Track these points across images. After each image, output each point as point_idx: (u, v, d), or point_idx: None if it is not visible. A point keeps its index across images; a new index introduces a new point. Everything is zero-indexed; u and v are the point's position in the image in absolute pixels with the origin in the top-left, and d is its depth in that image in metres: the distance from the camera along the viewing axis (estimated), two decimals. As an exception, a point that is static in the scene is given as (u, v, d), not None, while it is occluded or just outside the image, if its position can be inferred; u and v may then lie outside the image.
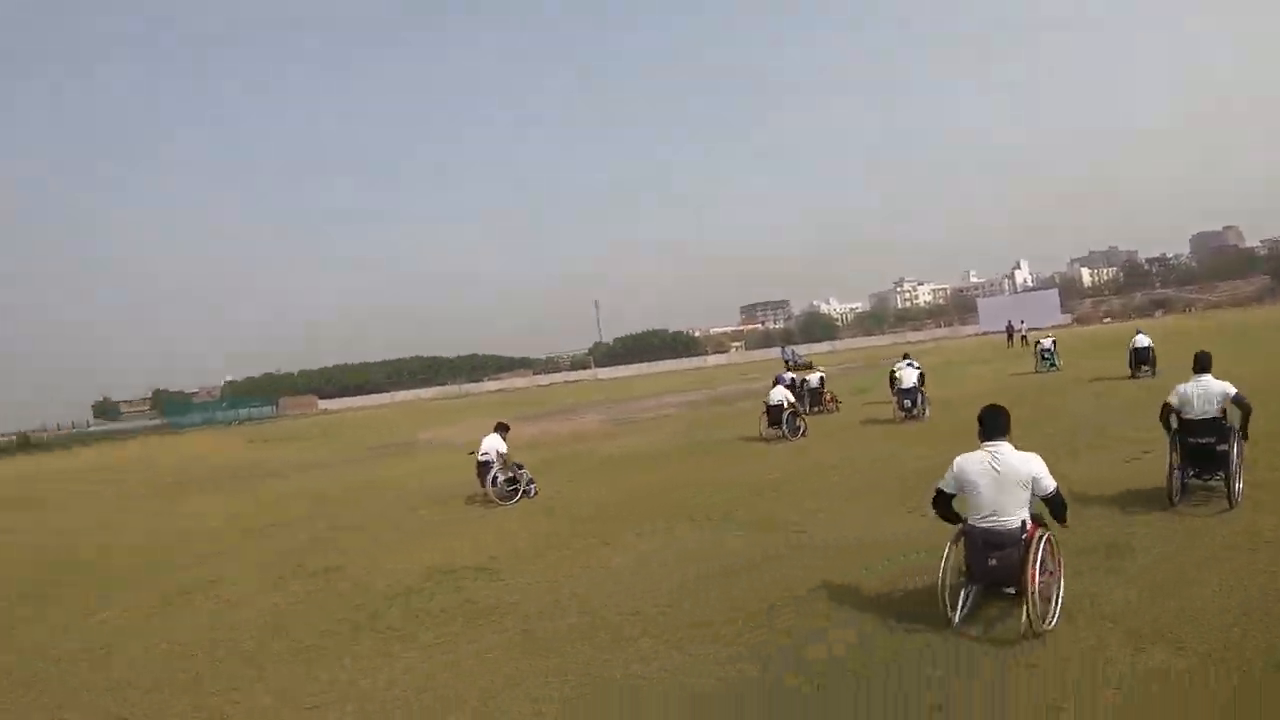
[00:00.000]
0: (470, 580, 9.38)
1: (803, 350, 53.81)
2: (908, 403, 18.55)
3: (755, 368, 55.83)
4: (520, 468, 14.56)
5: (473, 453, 14.85)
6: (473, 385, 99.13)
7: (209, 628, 8.76)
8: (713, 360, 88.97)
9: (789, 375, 22.92)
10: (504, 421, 15.51)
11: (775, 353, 71.59)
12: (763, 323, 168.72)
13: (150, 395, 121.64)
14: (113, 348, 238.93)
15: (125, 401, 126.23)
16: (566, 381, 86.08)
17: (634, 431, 25.52)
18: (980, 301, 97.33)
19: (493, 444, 14.38)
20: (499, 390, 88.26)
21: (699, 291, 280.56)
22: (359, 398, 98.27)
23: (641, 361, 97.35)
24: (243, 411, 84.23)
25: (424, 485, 18.14)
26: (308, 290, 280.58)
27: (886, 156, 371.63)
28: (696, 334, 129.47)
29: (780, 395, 18.00)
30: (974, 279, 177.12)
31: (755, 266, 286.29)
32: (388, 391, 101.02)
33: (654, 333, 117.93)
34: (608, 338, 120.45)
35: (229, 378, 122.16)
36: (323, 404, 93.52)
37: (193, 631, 8.66)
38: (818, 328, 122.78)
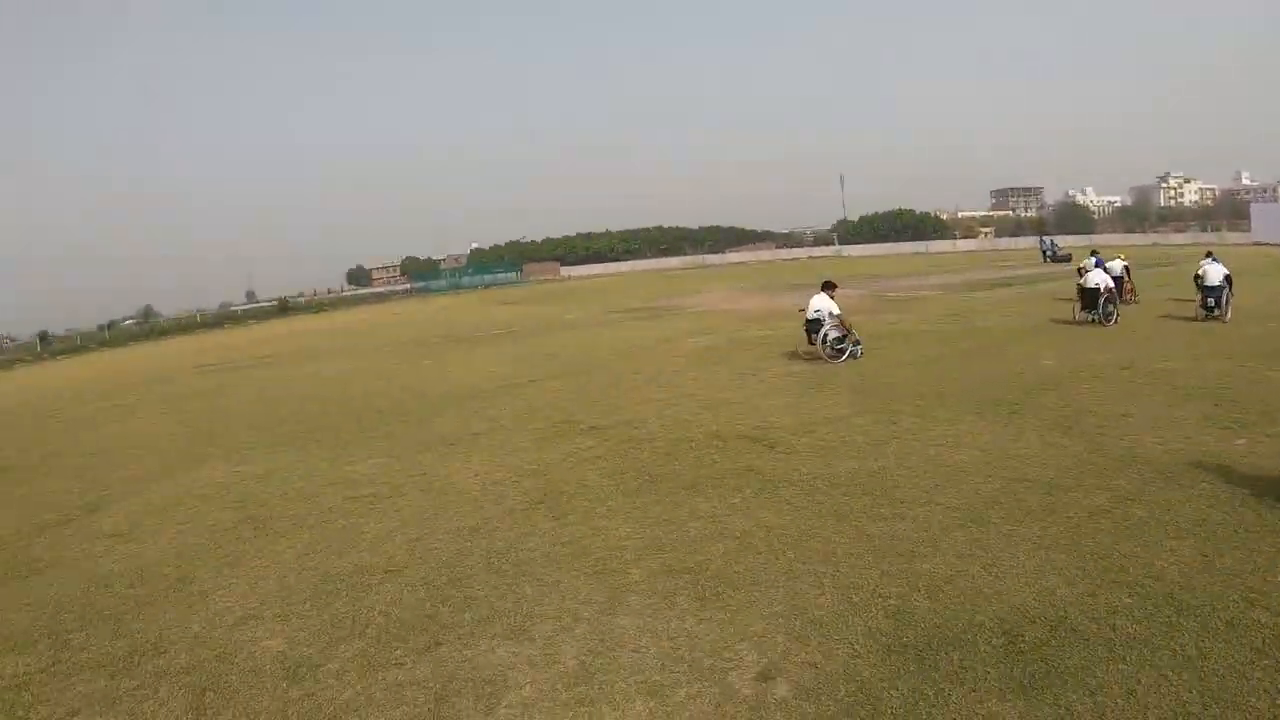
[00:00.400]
0: (750, 447, 8.91)
1: (1061, 242, 48.77)
2: (1210, 301, 16.26)
3: (1008, 256, 51.55)
4: (850, 329, 14.25)
5: (801, 310, 14.77)
6: (714, 256, 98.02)
7: (491, 470, 8.68)
8: (962, 245, 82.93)
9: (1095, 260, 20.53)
10: (831, 280, 15.10)
11: (1026, 241, 66.38)
12: (1014, 210, 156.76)
13: (399, 263, 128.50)
14: (365, 221, 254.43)
15: (377, 269, 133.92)
16: (810, 257, 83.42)
17: (896, 309, 23.88)
18: (1254, 206, 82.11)
19: (822, 303, 14.25)
20: (740, 263, 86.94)
21: (948, 172, 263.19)
22: (599, 265, 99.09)
23: (886, 241, 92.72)
24: (487, 277, 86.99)
25: (680, 349, 17.67)
26: (547, 162, 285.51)
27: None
28: (943, 216, 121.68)
29: (1099, 279, 16.39)
30: (1247, 181, 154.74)
31: (1007, 154, 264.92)
32: (627, 260, 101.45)
33: (900, 212, 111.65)
34: (852, 215, 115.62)
35: (474, 245, 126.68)
36: (565, 270, 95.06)
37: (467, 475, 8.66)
38: (1073, 219, 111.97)
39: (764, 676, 4.29)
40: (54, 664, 5.50)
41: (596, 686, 4.38)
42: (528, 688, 4.45)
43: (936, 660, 4.27)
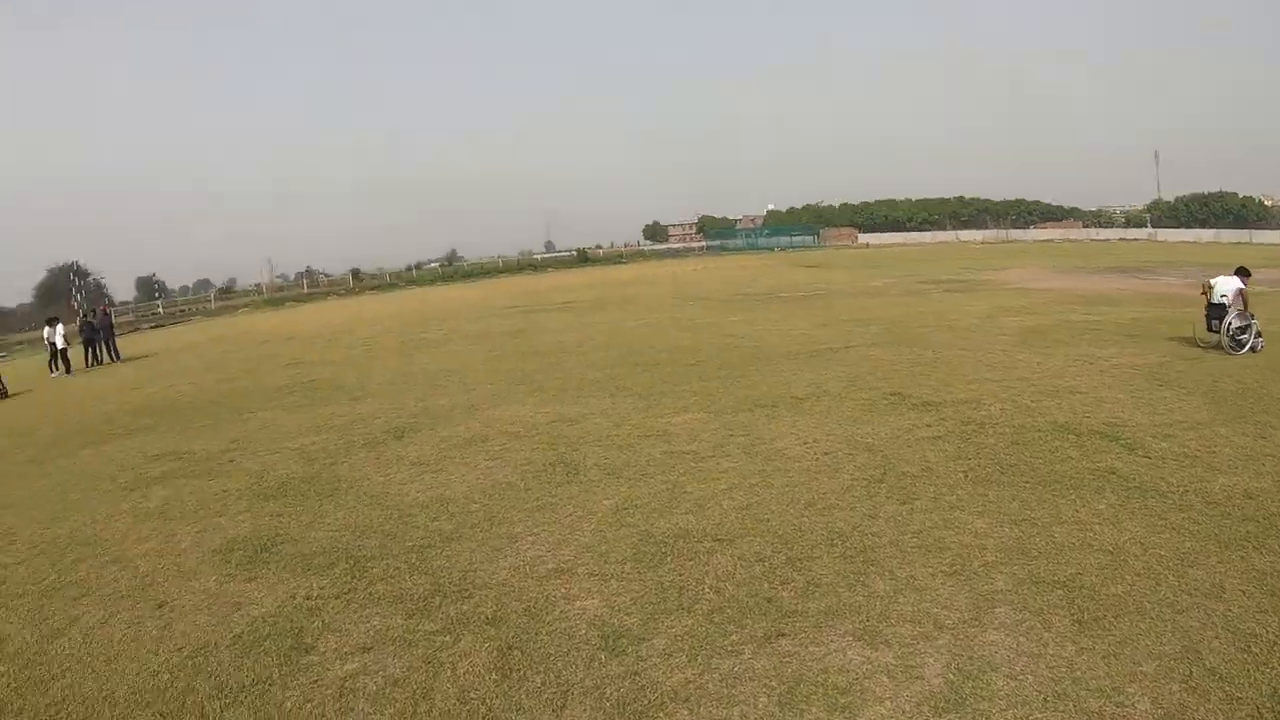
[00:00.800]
0: (1106, 446, 7.99)
1: None
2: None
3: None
4: (1253, 317, 12.81)
5: (1204, 293, 13.56)
6: (1018, 232, 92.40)
7: (820, 438, 8.33)
8: None
9: None
10: (1245, 267, 13.59)
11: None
12: None
13: (696, 221, 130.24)
14: (663, 180, 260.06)
15: (673, 225, 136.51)
16: (1121, 239, 76.43)
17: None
18: None
19: (1229, 286, 13.01)
20: (1047, 240, 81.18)
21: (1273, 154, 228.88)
22: (898, 234, 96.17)
23: (1205, 227, 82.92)
24: (784, 239, 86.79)
25: (1002, 327, 16.39)
26: (846, 123, 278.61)
27: None
28: (1268, 203, 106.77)
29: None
30: None
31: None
32: (927, 230, 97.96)
33: (1221, 195, 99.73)
34: (1168, 195, 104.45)
35: (771, 206, 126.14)
36: (862, 237, 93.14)
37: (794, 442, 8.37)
38: None
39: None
40: (349, 591, 5.64)
41: (970, 717, 3.89)
42: (887, 704, 4.00)
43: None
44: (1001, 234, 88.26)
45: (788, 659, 4.43)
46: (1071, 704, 3.94)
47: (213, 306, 64.68)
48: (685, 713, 4.04)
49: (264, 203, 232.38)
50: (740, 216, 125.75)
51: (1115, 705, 3.91)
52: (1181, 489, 6.63)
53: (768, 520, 6.36)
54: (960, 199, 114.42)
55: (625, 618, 5.01)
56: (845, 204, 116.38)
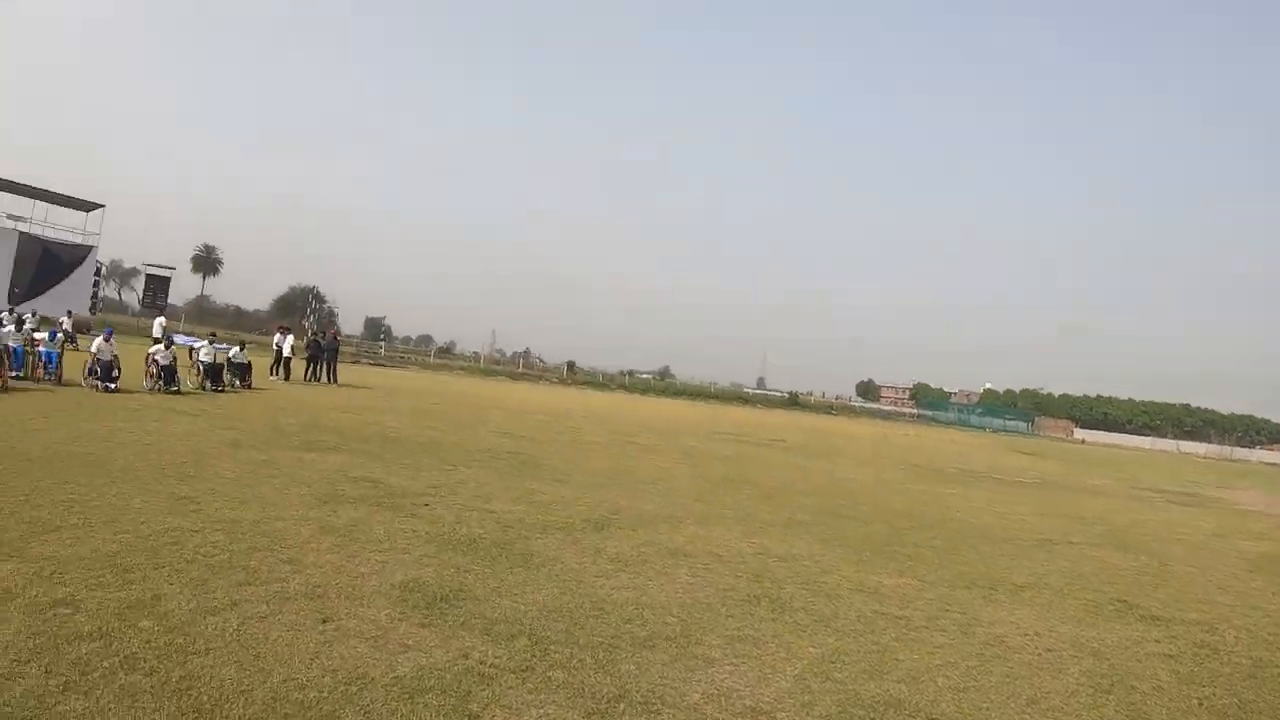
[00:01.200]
0: None
1: None
2: None
3: None
4: None
5: None
6: (1243, 450, 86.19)
7: (1041, 632, 8.10)
8: None
9: None
10: None
11: None
12: None
13: (911, 386, 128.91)
14: (881, 339, 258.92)
15: (886, 386, 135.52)
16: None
17: None
18: None
19: None
20: (1273, 463, 75.10)
21: None
22: (1116, 434, 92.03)
23: None
24: (996, 421, 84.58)
25: (1234, 547, 15.30)
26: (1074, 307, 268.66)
27: None
28: None
29: None
30: None
31: None
32: (1146, 435, 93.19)
33: None
34: None
35: (988, 385, 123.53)
36: (1078, 433, 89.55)
37: (1012, 629, 8.09)
38: None
39: None
40: (527, 669, 5.41)
41: None
42: None
43: None
44: (1226, 450, 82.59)
45: None
46: None
47: (431, 360, 69.44)
48: None
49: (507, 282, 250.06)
50: (956, 390, 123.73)
51: None
52: None
53: (986, 709, 5.90)
54: (1186, 406, 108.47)
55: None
56: (1065, 395, 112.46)
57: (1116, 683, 6.95)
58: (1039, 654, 7.50)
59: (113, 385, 19.11)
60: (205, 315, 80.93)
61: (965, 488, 21.53)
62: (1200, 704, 6.66)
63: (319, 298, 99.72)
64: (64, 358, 20.45)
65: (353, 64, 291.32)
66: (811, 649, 6.69)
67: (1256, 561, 13.93)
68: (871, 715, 5.50)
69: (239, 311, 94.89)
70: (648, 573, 8.43)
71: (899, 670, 6.46)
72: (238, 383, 23.75)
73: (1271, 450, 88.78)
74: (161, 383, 20.28)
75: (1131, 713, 6.25)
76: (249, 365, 24.56)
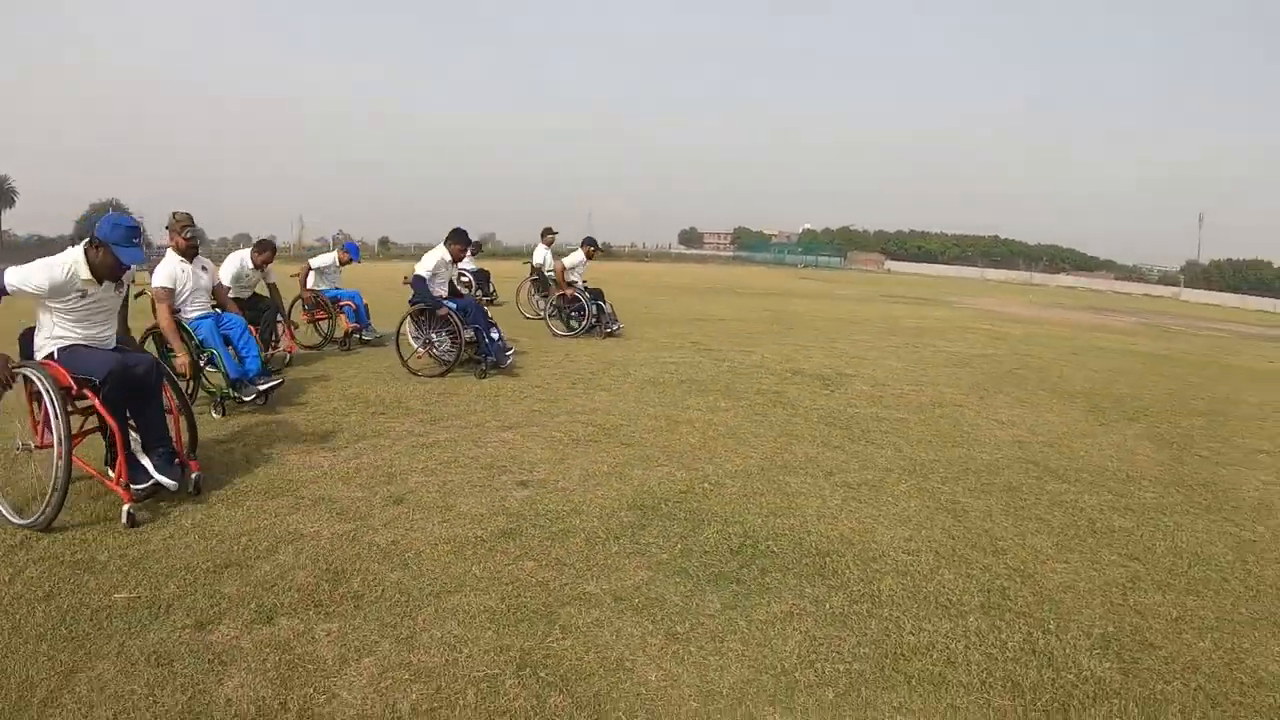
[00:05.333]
0: None
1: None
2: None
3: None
4: None
5: None
6: (1044, 276, 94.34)
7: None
8: None
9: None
10: None
11: None
12: None
13: (733, 230, 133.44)
14: (700, 186, 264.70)
15: (710, 233, 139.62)
16: (1146, 295, 77.88)
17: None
18: None
19: None
20: (1069, 287, 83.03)
21: None
22: (926, 265, 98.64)
23: (1236, 293, 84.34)
24: (809, 257, 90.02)
25: (899, 324, 19.12)
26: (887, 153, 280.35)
27: None
28: None
29: None
30: None
31: None
32: (954, 265, 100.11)
33: (1255, 264, 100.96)
34: (1207, 259, 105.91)
35: (807, 225, 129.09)
36: (889, 264, 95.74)
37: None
38: None
39: None
40: None
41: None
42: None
43: None
44: (1025, 276, 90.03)
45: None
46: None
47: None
48: None
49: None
50: (776, 231, 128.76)
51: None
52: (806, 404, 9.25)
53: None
54: (995, 238, 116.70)
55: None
56: (880, 231, 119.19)
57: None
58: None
59: None
60: (8, 251, 76.23)
61: (698, 297, 25.01)
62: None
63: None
64: None
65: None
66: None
67: (890, 329, 17.52)
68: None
69: (41, 241, 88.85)
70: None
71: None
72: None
73: (1073, 275, 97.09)
74: None
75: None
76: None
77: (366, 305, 12.00)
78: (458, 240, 9.99)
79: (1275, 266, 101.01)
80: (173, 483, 4.89)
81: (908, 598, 4.15)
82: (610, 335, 13.31)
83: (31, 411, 4.98)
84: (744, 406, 8.56)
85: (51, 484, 4.48)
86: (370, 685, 3.15)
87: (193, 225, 7.43)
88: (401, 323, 10.02)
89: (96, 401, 4.80)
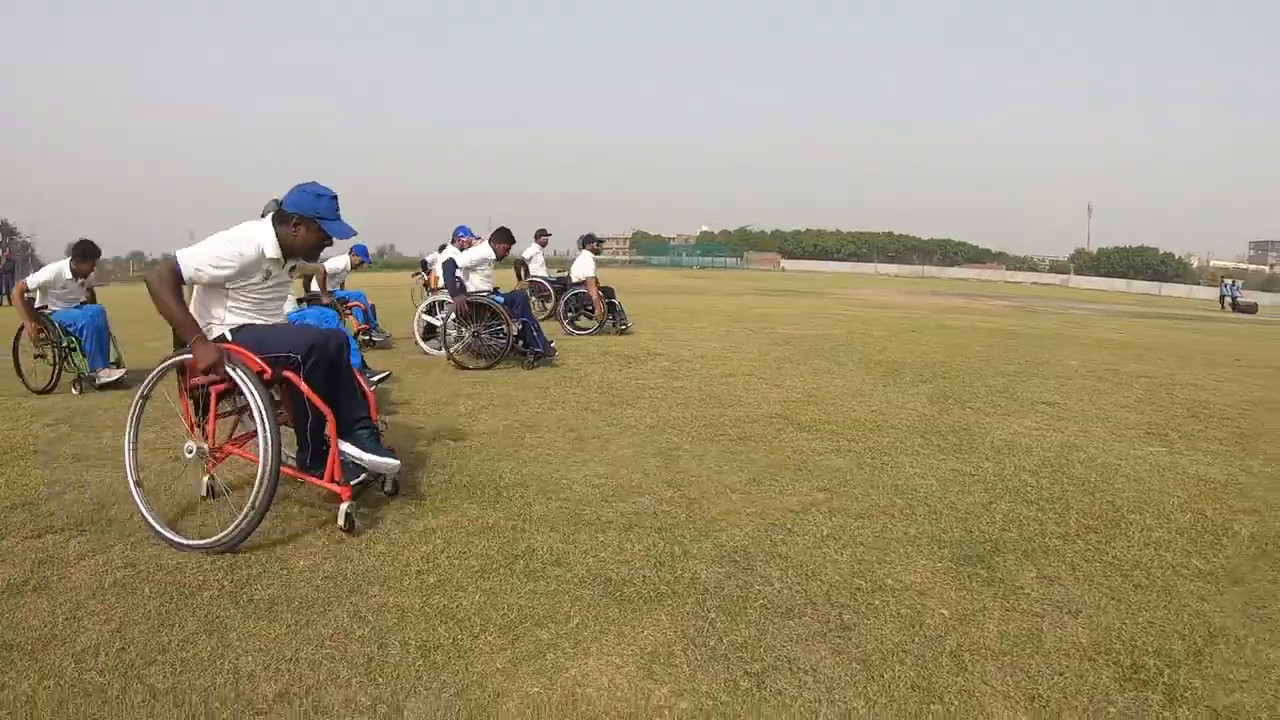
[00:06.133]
0: None
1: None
2: None
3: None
4: None
5: None
6: (936, 269, 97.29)
7: None
8: (1200, 293, 77.94)
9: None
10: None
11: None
12: (1272, 265, 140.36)
13: (630, 234, 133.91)
14: (601, 190, 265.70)
15: (609, 237, 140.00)
16: (1034, 283, 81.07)
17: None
18: None
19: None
20: (961, 279, 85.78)
21: (1204, 216, 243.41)
22: (821, 262, 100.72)
23: (1122, 278, 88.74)
24: (706, 259, 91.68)
25: (771, 316, 19.32)
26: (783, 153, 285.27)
27: None
28: (1194, 262, 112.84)
29: None
30: None
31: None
32: (849, 261, 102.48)
33: (1142, 250, 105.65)
34: (1096, 247, 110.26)
35: (704, 228, 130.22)
36: (785, 263, 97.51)
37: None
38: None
39: None
40: None
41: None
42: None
43: None
44: (919, 270, 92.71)
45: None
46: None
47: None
48: None
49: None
50: (674, 235, 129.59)
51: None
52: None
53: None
54: (889, 234, 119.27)
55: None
56: (777, 231, 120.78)
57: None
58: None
59: None
60: None
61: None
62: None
63: (8, 230, 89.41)
64: None
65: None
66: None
67: (763, 320, 17.84)
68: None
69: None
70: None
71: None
72: None
73: (965, 268, 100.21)
74: None
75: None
76: None
77: (373, 306, 12.35)
78: (502, 239, 10.34)
79: (1161, 252, 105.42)
80: (394, 462, 4.33)
81: (566, 521, 4.38)
82: (623, 333, 13.98)
83: (187, 411, 4.26)
84: (532, 383, 8.70)
85: (252, 498, 3.76)
86: None
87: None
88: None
89: (303, 384, 4.04)
